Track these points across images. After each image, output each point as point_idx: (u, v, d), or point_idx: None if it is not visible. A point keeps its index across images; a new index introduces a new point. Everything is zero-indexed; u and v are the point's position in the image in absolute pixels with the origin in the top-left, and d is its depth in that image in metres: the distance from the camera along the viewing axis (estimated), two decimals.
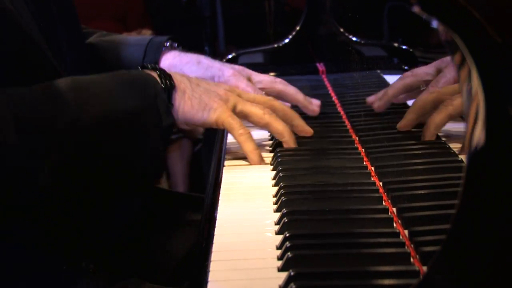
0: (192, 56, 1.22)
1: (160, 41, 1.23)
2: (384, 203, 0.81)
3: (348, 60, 1.27)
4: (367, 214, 0.78)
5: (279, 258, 0.69)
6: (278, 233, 0.75)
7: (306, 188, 0.87)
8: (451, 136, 1.04)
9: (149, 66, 1.00)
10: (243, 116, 1.00)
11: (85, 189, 0.89)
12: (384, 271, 0.65)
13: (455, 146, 0.98)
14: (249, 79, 1.18)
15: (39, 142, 0.81)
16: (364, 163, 0.96)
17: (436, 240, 0.66)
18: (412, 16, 0.70)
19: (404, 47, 1.44)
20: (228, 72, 1.17)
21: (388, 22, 1.43)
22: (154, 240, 1.14)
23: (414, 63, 1.37)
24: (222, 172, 0.98)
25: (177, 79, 0.97)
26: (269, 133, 1.11)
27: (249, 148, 0.98)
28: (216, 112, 0.97)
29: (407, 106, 1.14)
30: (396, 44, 1.46)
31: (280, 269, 0.67)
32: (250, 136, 0.99)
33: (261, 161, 1.00)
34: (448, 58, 1.03)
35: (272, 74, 1.65)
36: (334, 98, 1.36)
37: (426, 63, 1.16)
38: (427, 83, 1.10)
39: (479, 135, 0.53)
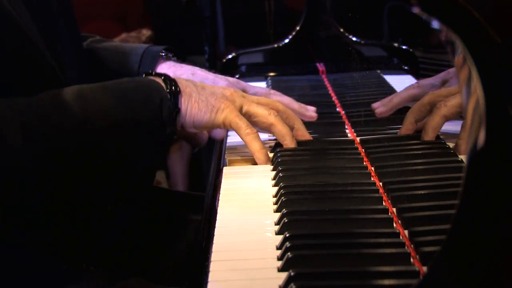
0: (187, 68, 1.22)
1: (156, 50, 1.22)
2: (384, 203, 0.81)
3: (348, 60, 1.26)
4: (367, 214, 0.78)
5: (279, 258, 0.69)
6: (278, 233, 0.75)
7: (306, 188, 0.87)
8: (451, 136, 1.04)
9: (153, 72, 1.01)
10: (249, 117, 1.01)
11: (85, 191, 0.90)
12: (384, 271, 0.65)
13: None
14: (243, 91, 1.18)
15: (44, 148, 0.83)
16: (364, 163, 0.96)
17: (436, 240, 0.66)
18: (412, 16, 0.70)
19: (404, 47, 1.43)
20: (222, 84, 1.18)
21: (388, 22, 1.42)
22: (154, 240, 1.14)
23: (414, 63, 1.37)
24: (222, 172, 0.98)
25: (182, 83, 0.98)
26: (268, 134, 1.11)
27: (256, 148, 0.99)
28: (223, 113, 0.98)
29: (408, 107, 1.14)
30: (396, 44, 1.46)
31: (280, 269, 0.67)
32: (257, 136, 0.99)
33: (268, 160, 1.00)
34: (453, 69, 1.03)
35: (272, 74, 1.65)
36: (334, 98, 1.36)
37: (426, 63, 1.16)
38: None
39: (479, 135, 0.52)
